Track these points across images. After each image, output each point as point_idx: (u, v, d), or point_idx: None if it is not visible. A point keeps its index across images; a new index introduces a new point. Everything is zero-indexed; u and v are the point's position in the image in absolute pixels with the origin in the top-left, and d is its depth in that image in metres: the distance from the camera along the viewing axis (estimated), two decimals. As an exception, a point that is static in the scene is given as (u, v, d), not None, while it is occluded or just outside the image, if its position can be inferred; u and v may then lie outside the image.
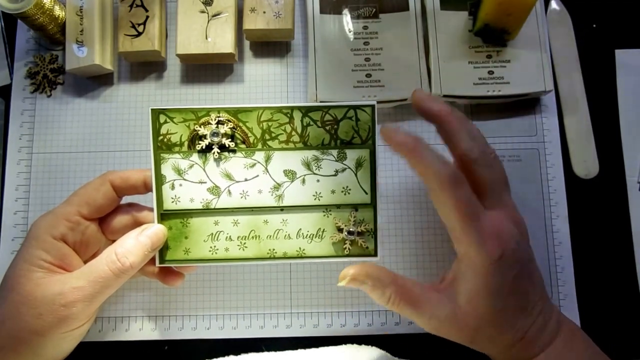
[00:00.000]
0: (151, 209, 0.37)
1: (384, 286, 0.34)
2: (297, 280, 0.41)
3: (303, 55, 0.45)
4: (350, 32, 0.43)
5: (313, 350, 0.39)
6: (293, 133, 0.37)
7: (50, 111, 0.44)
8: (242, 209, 0.37)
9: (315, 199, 0.37)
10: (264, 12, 0.42)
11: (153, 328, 0.40)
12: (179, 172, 0.36)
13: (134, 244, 0.34)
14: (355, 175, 0.37)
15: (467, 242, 0.32)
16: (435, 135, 0.35)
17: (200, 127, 0.36)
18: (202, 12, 0.42)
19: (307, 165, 0.37)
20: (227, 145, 0.36)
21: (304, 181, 0.37)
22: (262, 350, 0.40)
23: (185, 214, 0.37)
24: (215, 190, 0.37)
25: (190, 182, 0.36)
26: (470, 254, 0.32)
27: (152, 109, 0.36)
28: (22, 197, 0.42)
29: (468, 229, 0.31)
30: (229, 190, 0.37)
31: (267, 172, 0.37)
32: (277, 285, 0.41)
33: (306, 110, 0.36)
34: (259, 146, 0.37)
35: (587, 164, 0.44)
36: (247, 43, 0.45)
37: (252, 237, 0.37)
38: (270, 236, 0.37)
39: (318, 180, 0.37)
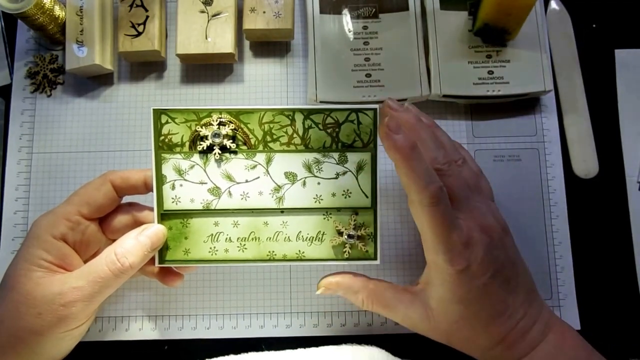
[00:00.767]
0: (151, 209, 0.37)
1: (355, 292, 0.36)
2: (297, 280, 0.41)
3: (303, 55, 0.45)
4: (350, 32, 0.43)
5: (313, 349, 0.39)
6: (294, 135, 0.36)
7: (51, 111, 0.44)
8: (243, 211, 0.37)
9: (315, 201, 0.37)
10: (264, 12, 0.42)
11: (153, 328, 0.40)
12: (179, 172, 0.36)
13: (133, 244, 0.34)
14: (356, 178, 0.37)
15: (435, 252, 0.32)
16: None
17: (201, 127, 0.36)
18: (202, 12, 0.42)
19: (308, 167, 0.37)
20: (228, 147, 0.36)
21: (304, 183, 0.37)
22: (262, 350, 0.40)
23: (186, 214, 0.36)
24: (215, 191, 0.37)
25: (190, 183, 0.36)
26: (438, 263, 0.33)
27: (153, 109, 0.36)
28: (22, 197, 0.43)
29: (439, 242, 0.32)
30: (229, 192, 0.37)
31: (268, 173, 0.37)
32: (277, 285, 0.41)
33: (308, 113, 0.36)
34: (260, 148, 0.36)
35: (586, 164, 0.44)
36: (247, 43, 0.45)
37: (252, 239, 0.37)
38: (270, 238, 0.37)
39: (319, 183, 0.37)
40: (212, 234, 0.37)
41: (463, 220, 0.33)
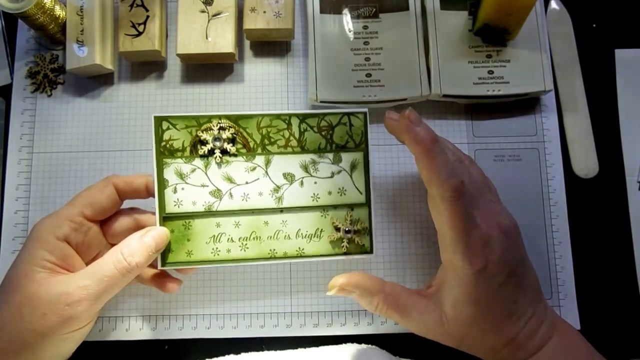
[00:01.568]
0: (153, 213, 0.37)
1: (372, 295, 0.35)
2: (297, 280, 0.41)
3: (303, 55, 0.45)
4: (350, 31, 0.43)
5: (313, 349, 0.39)
6: (291, 138, 0.38)
7: (51, 111, 0.44)
8: (243, 211, 0.38)
9: (313, 200, 0.38)
10: (264, 12, 0.42)
11: (153, 328, 0.40)
12: (181, 176, 0.37)
13: (138, 245, 0.34)
14: (350, 176, 0.39)
15: (453, 250, 0.32)
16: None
17: (202, 132, 0.37)
18: (203, 11, 0.42)
19: (305, 168, 0.38)
20: (228, 150, 0.37)
21: (302, 183, 0.38)
22: (263, 350, 0.40)
23: (188, 216, 0.37)
24: (217, 193, 0.38)
25: (192, 186, 0.38)
26: (455, 263, 0.32)
27: (155, 116, 0.37)
28: (23, 197, 0.43)
29: (458, 241, 0.31)
30: (230, 193, 0.38)
31: (267, 175, 0.38)
32: (278, 285, 0.41)
33: (303, 117, 0.38)
34: (259, 151, 0.38)
35: (586, 164, 0.44)
36: (247, 43, 0.45)
37: (253, 238, 0.38)
38: (271, 237, 0.38)
39: (315, 182, 0.38)
40: (214, 235, 0.38)
41: (480, 219, 0.33)
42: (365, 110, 0.39)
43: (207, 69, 0.45)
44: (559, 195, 0.43)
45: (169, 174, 0.37)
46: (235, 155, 0.38)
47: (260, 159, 0.38)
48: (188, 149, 0.38)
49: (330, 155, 0.39)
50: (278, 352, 0.39)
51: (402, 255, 0.42)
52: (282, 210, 0.38)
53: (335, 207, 0.38)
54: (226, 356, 0.39)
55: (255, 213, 0.38)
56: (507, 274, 0.32)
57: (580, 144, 0.44)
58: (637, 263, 0.43)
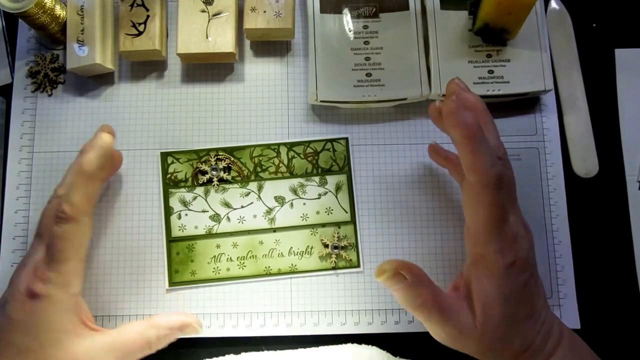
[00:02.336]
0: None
1: (422, 286, 0.33)
2: (297, 279, 0.41)
3: (303, 54, 0.45)
4: (350, 31, 0.43)
5: (313, 349, 0.39)
6: (280, 165, 0.43)
7: (51, 110, 0.44)
8: (240, 232, 0.42)
9: (302, 219, 0.42)
10: (265, 12, 0.42)
11: (153, 327, 0.40)
12: (184, 203, 0.42)
13: (165, 335, 0.37)
14: (336, 197, 0.42)
15: (486, 243, 0.31)
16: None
17: (201, 164, 0.42)
18: (203, 11, 0.42)
19: (294, 191, 0.42)
20: (225, 178, 0.42)
21: (292, 205, 0.42)
22: (262, 350, 0.40)
23: (191, 239, 0.41)
24: (216, 217, 0.42)
25: (194, 212, 0.42)
26: (487, 257, 0.32)
27: (161, 152, 0.43)
28: (23, 196, 0.43)
29: (492, 232, 0.31)
30: (228, 217, 0.42)
31: (260, 199, 0.42)
32: (278, 284, 0.41)
33: (290, 146, 0.43)
34: (252, 177, 0.42)
35: (586, 163, 0.44)
36: (247, 42, 0.45)
37: (250, 257, 0.41)
38: (266, 255, 0.41)
39: (304, 204, 0.42)
40: (214, 255, 0.41)
41: (512, 215, 0.32)
42: (347, 136, 0.43)
43: (207, 68, 0.45)
44: (559, 194, 0.43)
45: (174, 202, 0.42)
46: (231, 182, 0.42)
47: (253, 185, 0.42)
48: (190, 179, 0.42)
49: (317, 179, 0.42)
50: (278, 351, 0.39)
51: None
52: (275, 230, 0.42)
53: (323, 225, 0.42)
54: (226, 356, 0.39)
55: (251, 233, 0.42)
56: (530, 272, 0.32)
57: (580, 144, 0.44)
58: (637, 263, 0.43)
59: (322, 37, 0.43)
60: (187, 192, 0.42)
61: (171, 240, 0.41)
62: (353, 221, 0.42)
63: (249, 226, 0.42)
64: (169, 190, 0.42)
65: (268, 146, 0.43)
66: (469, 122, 0.30)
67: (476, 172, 0.30)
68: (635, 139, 0.45)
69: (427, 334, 0.38)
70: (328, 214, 0.42)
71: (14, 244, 0.42)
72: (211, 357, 0.39)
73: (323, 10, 0.44)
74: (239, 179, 0.42)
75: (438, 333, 0.33)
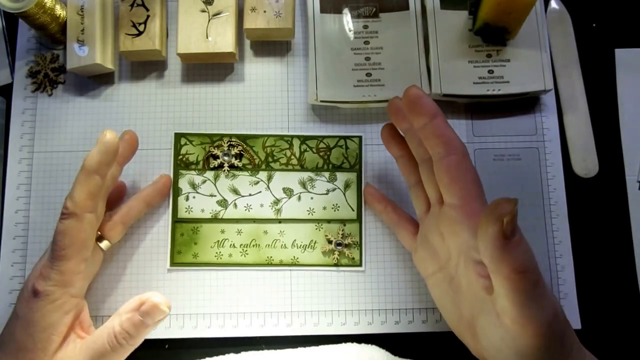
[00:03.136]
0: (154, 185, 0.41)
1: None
2: (297, 279, 0.42)
3: (303, 54, 0.45)
4: (350, 31, 0.43)
5: (313, 349, 0.39)
6: (292, 157, 0.43)
7: (52, 110, 0.44)
8: (246, 220, 0.42)
9: (309, 213, 0.42)
10: (265, 12, 0.42)
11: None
12: (193, 186, 0.42)
13: (130, 323, 0.35)
14: (344, 194, 0.42)
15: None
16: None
17: (214, 148, 0.42)
18: (203, 11, 0.42)
19: (303, 184, 0.42)
20: (235, 165, 0.42)
21: (299, 198, 0.42)
22: (263, 349, 0.40)
23: (196, 222, 0.42)
24: (223, 203, 0.42)
25: (202, 195, 0.42)
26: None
27: (175, 133, 0.43)
28: (24, 196, 0.43)
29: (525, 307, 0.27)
30: (235, 203, 0.42)
31: (269, 189, 0.42)
32: (278, 284, 0.41)
33: (304, 139, 0.43)
34: (263, 167, 0.43)
35: (586, 163, 0.44)
36: (247, 42, 0.45)
37: (253, 245, 0.41)
38: (269, 245, 0.41)
39: (312, 198, 0.42)
40: (218, 240, 0.41)
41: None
42: (361, 135, 0.43)
43: (208, 68, 0.45)
44: (559, 194, 0.43)
45: (183, 183, 0.42)
46: (241, 169, 0.42)
47: (263, 174, 0.42)
48: (201, 162, 0.42)
49: (327, 174, 0.42)
50: (278, 351, 0.39)
51: (394, 269, 0.42)
52: (280, 221, 0.42)
53: (328, 221, 0.42)
54: (226, 355, 0.39)
55: (257, 222, 0.42)
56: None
57: (580, 144, 0.44)
58: (637, 263, 0.43)
59: (322, 37, 0.43)
60: (197, 174, 0.42)
61: (177, 221, 0.42)
62: (359, 220, 0.42)
63: (255, 215, 0.42)
64: (179, 171, 0.42)
65: (281, 137, 0.43)
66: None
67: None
68: (635, 139, 0.45)
69: (427, 334, 0.38)
70: (335, 211, 0.42)
71: (14, 244, 0.42)
72: (211, 357, 0.39)
73: (323, 10, 0.44)
74: (249, 167, 0.42)
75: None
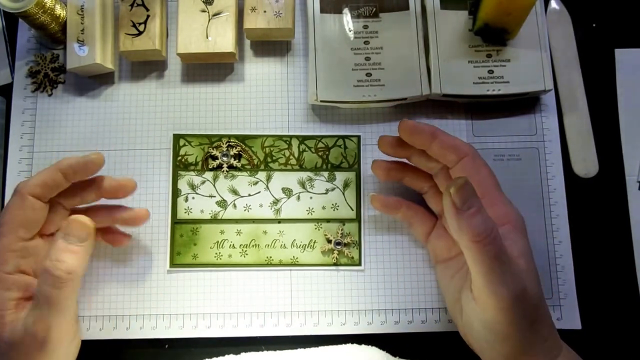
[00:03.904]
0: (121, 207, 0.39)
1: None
2: (297, 279, 0.42)
3: (303, 54, 0.45)
4: (350, 31, 0.43)
5: (313, 349, 0.39)
6: (291, 157, 0.43)
7: (52, 110, 0.44)
8: (245, 220, 0.42)
9: (308, 213, 0.42)
10: (265, 12, 0.42)
11: (154, 326, 0.40)
12: (192, 187, 0.42)
13: (59, 251, 0.33)
14: (343, 194, 0.42)
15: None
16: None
17: (213, 149, 0.42)
18: (203, 11, 0.42)
19: (302, 184, 0.42)
20: (234, 165, 0.42)
21: (299, 198, 0.42)
22: (262, 350, 0.40)
23: (196, 223, 0.42)
24: (222, 204, 0.42)
25: (201, 196, 0.42)
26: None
27: (174, 134, 0.43)
28: (23, 196, 0.43)
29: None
30: (234, 204, 0.42)
31: (268, 189, 0.42)
32: (278, 284, 0.41)
33: (302, 139, 0.43)
34: (262, 167, 0.43)
35: (586, 163, 0.44)
36: (247, 42, 0.45)
37: (253, 246, 0.42)
38: (269, 245, 0.42)
39: (311, 198, 0.42)
40: (217, 241, 0.41)
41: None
42: (359, 134, 0.43)
43: (208, 68, 0.45)
44: (559, 194, 0.43)
45: (182, 184, 0.42)
46: (240, 170, 0.42)
47: (262, 174, 0.42)
48: (200, 163, 0.42)
49: (326, 174, 0.42)
50: (278, 351, 0.39)
51: (393, 268, 0.42)
52: (279, 221, 0.42)
53: (328, 220, 0.42)
54: (226, 356, 0.39)
55: (256, 222, 0.42)
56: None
57: (580, 144, 0.44)
58: (637, 263, 0.43)
59: (322, 37, 0.43)
60: (196, 175, 0.42)
61: (176, 222, 0.42)
62: (358, 219, 0.42)
63: (255, 215, 0.42)
64: (178, 172, 0.42)
65: (280, 137, 0.43)
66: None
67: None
68: (635, 139, 0.45)
69: (426, 334, 0.38)
70: (334, 210, 0.42)
71: (14, 244, 0.42)
72: (211, 357, 0.39)
73: (323, 10, 0.44)
74: (248, 167, 0.42)
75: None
